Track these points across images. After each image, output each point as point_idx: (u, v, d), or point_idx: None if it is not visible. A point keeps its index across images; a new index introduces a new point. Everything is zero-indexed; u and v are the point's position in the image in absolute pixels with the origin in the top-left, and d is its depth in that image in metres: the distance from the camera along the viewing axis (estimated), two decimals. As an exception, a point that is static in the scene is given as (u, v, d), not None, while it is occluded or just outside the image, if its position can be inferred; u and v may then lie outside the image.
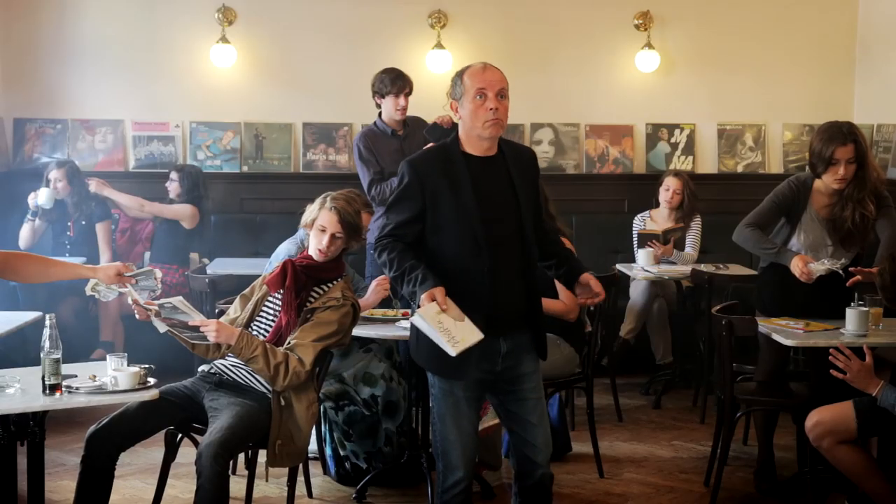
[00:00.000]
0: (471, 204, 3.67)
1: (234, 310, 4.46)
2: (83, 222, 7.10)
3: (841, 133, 4.82)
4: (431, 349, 3.64)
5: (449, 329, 3.57)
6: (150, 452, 5.28)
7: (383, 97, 6.18)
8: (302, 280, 4.30)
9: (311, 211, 4.38)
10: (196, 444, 4.13)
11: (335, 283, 4.36)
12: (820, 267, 4.79)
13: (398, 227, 3.71)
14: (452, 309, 3.59)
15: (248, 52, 7.83)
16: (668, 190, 7.16)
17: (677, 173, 7.27)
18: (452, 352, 3.55)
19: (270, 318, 4.36)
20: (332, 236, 4.29)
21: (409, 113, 6.26)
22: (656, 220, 7.23)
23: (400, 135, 6.21)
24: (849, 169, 4.82)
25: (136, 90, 7.80)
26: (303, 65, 7.87)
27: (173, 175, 7.16)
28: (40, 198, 6.85)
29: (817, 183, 4.99)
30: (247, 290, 4.49)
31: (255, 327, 4.37)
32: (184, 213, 7.05)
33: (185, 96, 7.85)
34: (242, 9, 7.82)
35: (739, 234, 5.07)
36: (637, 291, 6.97)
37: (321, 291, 4.33)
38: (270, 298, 4.39)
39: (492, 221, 3.69)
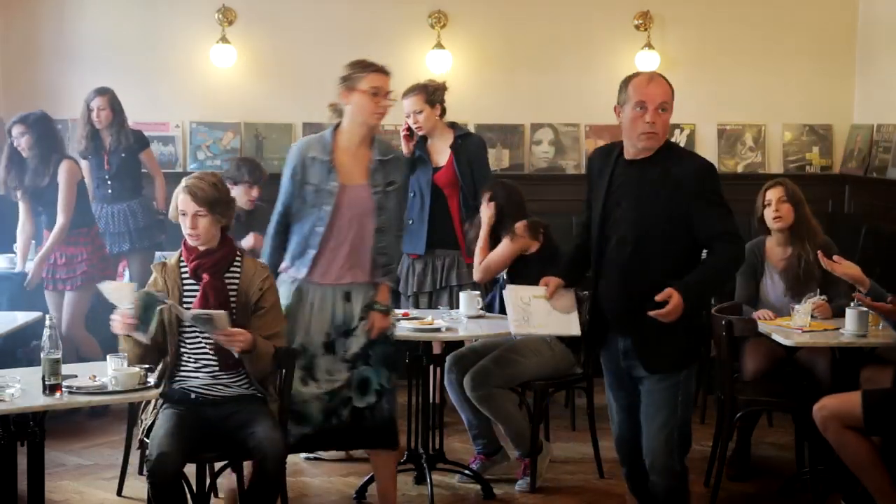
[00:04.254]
0: (599, 203, 3.92)
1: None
2: (122, 155, 6.72)
3: (771, 182, 5.45)
4: None
5: (531, 312, 4.02)
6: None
7: (236, 183, 5.90)
8: (216, 287, 4.22)
9: (172, 205, 4.31)
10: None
11: (239, 259, 4.30)
12: (804, 307, 4.88)
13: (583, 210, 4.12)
14: (560, 300, 4.02)
15: (248, 52, 7.83)
16: None
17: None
18: (512, 329, 4.19)
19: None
20: (194, 216, 4.20)
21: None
22: None
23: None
24: (782, 207, 5.32)
25: (136, 90, 7.78)
26: (303, 65, 7.86)
27: (18, 129, 6.19)
28: None
29: (769, 241, 5.43)
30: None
31: (189, 340, 4.26)
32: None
33: (185, 96, 7.85)
34: (242, 9, 7.82)
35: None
36: None
37: (238, 270, 4.28)
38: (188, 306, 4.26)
39: (612, 224, 3.88)
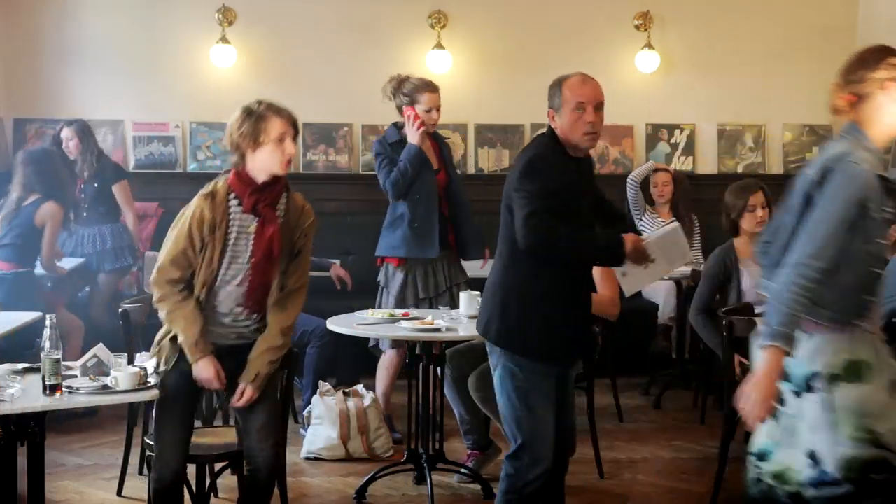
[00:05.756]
0: (577, 202, 3.79)
1: (186, 259, 3.91)
2: (95, 184, 6.83)
3: (749, 184, 5.54)
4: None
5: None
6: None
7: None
8: (277, 231, 3.94)
9: (248, 132, 3.88)
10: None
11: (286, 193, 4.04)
12: None
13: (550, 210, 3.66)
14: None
15: (248, 52, 7.84)
16: (657, 185, 7.16)
17: (665, 168, 7.35)
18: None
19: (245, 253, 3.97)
20: (292, 140, 3.96)
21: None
22: (658, 213, 7.17)
23: None
24: (764, 212, 5.42)
25: (136, 90, 7.81)
26: (303, 65, 7.87)
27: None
28: None
29: (737, 241, 5.48)
30: (184, 244, 3.91)
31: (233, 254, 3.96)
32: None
33: (185, 96, 7.86)
34: (242, 9, 7.82)
35: (693, 323, 5.52)
36: (654, 290, 6.95)
37: (283, 205, 4.01)
38: (236, 235, 3.94)
39: (583, 220, 3.82)
